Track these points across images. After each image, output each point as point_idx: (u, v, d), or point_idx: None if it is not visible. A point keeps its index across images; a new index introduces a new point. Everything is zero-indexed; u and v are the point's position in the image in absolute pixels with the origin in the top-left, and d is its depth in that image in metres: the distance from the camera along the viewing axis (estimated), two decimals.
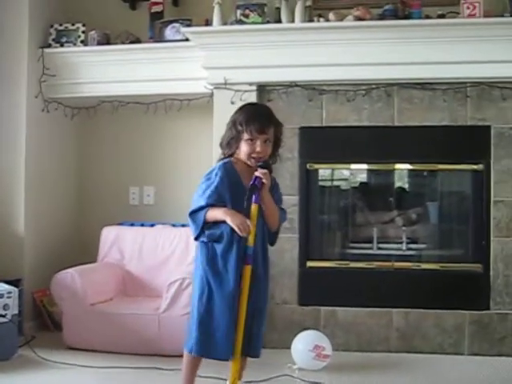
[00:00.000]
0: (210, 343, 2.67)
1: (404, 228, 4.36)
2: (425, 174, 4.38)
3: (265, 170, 2.66)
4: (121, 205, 4.97)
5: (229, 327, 2.66)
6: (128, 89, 4.48)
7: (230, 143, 2.79)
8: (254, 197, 2.64)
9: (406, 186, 4.55)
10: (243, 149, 2.74)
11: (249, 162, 2.73)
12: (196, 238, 2.76)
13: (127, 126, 4.96)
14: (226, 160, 2.79)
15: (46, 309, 4.55)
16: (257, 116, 2.75)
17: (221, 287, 2.68)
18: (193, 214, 2.71)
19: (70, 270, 4.11)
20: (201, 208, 2.68)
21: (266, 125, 2.73)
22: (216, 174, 2.72)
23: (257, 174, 2.64)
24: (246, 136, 2.72)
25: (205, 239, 2.71)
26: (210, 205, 2.67)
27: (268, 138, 2.74)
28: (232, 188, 2.71)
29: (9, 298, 3.78)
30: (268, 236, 2.85)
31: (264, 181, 2.63)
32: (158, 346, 3.82)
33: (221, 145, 2.85)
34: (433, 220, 4.38)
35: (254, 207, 2.66)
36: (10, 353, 3.76)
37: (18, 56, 4.43)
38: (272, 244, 2.90)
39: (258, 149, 2.70)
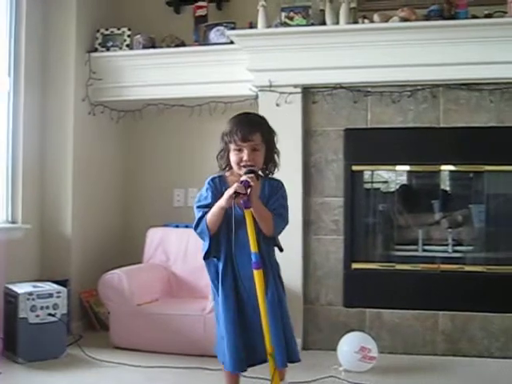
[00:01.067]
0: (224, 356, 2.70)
1: (450, 230, 4.32)
2: (471, 175, 4.33)
3: (251, 174, 2.61)
4: (165, 206, 5.02)
5: (232, 341, 2.65)
6: (173, 92, 4.55)
7: (221, 155, 2.78)
8: (243, 202, 2.58)
9: (452, 187, 4.50)
10: (232, 159, 2.72)
11: (240, 172, 2.69)
12: (204, 258, 2.74)
13: (172, 129, 5.01)
14: (214, 175, 2.79)
15: (92, 309, 4.63)
16: (240, 125, 2.70)
17: (224, 302, 2.70)
18: (197, 227, 2.71)
19: (117, 271, 4.17)
20: (200, 218, 2.68)
21: (250, 132, 2.67)
22: (207, 190, 2.73)
23: (243, 178, 2.60)
24: (232, 146, 2.70)
25: (212, 257, 2.72)
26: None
27: (255, 146, 2.68)
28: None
29: (58, 297, 3.86)
30: (268, 241, 2.76)
31: (252, 183, 2.57)
32: (204, 347, 3.82)
33: (216, 158, 2.83)
34: (479, 222, 4.31)
35: (246, 213, 2.61)
36: (59, 351, 3.83)
37: (65, 60, 4.53)
38: (279, 249, 2.81)
39: (245, 157, 2.66)
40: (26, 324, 3.72)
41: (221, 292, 2.71)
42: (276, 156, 2.81)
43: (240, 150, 2.68)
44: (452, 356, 3.98)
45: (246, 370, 2.70)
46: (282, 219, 2.73)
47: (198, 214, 2.72)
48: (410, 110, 4.09)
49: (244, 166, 2.67)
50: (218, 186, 2.73)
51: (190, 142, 4.96)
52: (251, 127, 2.70)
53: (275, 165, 2.82)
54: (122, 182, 5.16)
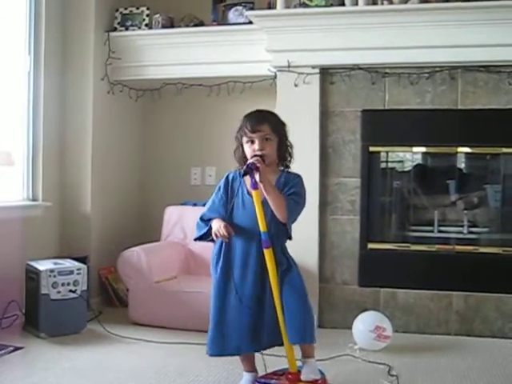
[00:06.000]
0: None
1: (465, 211, 4.34)
2: (488, 157, 4.32)
3: (256, 157, 2.68)
4: (183, 185, 5.09)
5: (217, 324, 2.79)
6: (191, 71, 4.58)
7: (235, 152, 2.86)
8: (251, 183, 2.66)
9: (469, 169, 4.51)
10: (246, 153, 2.79)
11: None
12: (196, 239, 2.91)
13: (190, 108, 5.05)
14: (231, 171, 2.89)
15: (111, 286, 4.71)
16: (249, 118, 2.81)
17: (217, 286, 2.82)
18: (199, 227, 2.86)
19: (135, 248, 4.24)
20: (204, 220, 2.83)
21: (258, 122, 2.76)
22: (219, 188, 2.86)
23: (249, 161, 2.68)
24: (245, 139, 2.78)
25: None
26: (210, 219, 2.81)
27: (266, 136, 2.76)
28: (233, 194, 2.80)
29: (78, 274, 3.93)
30: (281, 227, 2.81)
31: (258, 165, 2.64)
32: None
33: (234, 157, 2.91)
34: (495, 204, 4.33)
35: (254, 193, 2.68)
36: (79, 327, 3.91)
37: (84, 40, 4.56)
38: (288, 237, 2.84)
39: (256, 147, 2.74)
40: (48, 300, 3.79)
41: (215, 277, 2.82)
42: (289, 148, 2.88)
43: (252, 142, 2.76)
44: (465, 336, 4.02)
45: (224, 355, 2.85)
46: (295, 204, 2.78)
47: (204, 212, 2.85)
48: (427, 92, 4.09)
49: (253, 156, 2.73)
50: (230, 184, 2.84)
51: (208, 122, 5.00)
52: (259, 118, 2.80)
53: (290, 156, 2.89)
54: (141, 161, 5.22)
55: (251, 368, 2.93)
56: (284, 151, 2.85)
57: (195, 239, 2.92)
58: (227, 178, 2.87)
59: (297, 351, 2.80)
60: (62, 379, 3.09)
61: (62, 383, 3.04)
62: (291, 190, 2.78)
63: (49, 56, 4.39)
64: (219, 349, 2.80)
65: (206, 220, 2.84)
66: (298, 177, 2.86)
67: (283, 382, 2.81)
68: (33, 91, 4.35)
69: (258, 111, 2.87)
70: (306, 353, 2.85)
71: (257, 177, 2.64)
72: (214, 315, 2.80)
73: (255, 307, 2.76)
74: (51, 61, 4.43)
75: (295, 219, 2.80)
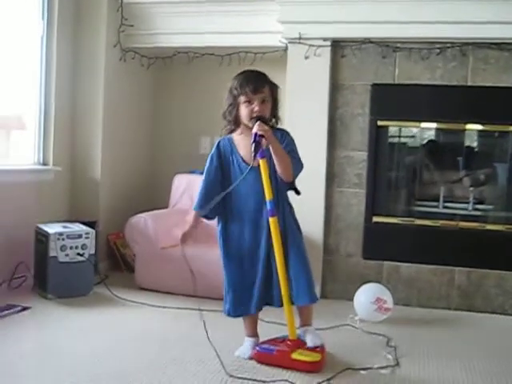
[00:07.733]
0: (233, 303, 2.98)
1: (471, 188, 4.36)
2: (496, 134, 4.33)
3: (258, 123, 2.72)
4: (192, 153, 5.11)
5: (241, 287, 2.93)
6: (203, 40, 4.59)
7: (229, 110, 2.88)
8: (259, 153, 2.70)
9: (476, 146, 4.51)
10: (243, 112, 2.82)
11: (250, 125, 2.80)
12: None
13: (201, 77, 5.07)
14: (220, 139, 2.93)
15: (119, 251, 4.78)
16: (250, 78, 2.84)
17: (230, 250, 2.98)
18: (202, 202, 3.00)
19: (143, 215, 4.30)
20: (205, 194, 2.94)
21: (260, 84, 2.81)
22: (212, 158, 2.91)
23: (253, 130, 2.71)
24: (242, 99, 2.81)
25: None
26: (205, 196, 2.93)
27: (264, 98, 2.81)
28: (228, 163, 2.89)
29: (87, 238, 4.00)
30: (285, 188, 2.90)
31: (261, 133, 2.69)
32: None
33: (223, 115, 2.92)
34: (501, 181, 4.35)
35: (261, 162, 2.74)
36: (87, 289, 3.99)
37: (98, 6, 4.57)
38: (296, 192, 2.92)
39: (256, 108, 2.78)
40: (56, 262, 3.87)
41: (224, 247, 3.01)
42: (278, 111, 2.95)
43: (250, 102, 2.80)
44: (466, 311, 4.06)
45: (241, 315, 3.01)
46: (297, 161, 2.86)
47: (200, 186, 2.95)
48: (438, 68, 4.08)
49: (253, 118, 2.78)
50: (222, 151, 2.90)
51: (219, 91, 4.93)
52: (260, 80, 2.85)
53: (278, 118, 2.94)
54: (151, 128, 5.26)
55: (253, 333, 3.03)
56: (276, 112, 2.91)
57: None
58: (218, 146, 2.92)
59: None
60: (68, 339, 3.16)
61: (68, 342, 3.10)
62: (288, 148, 2.84)
63: (62, 21, 4.41)
64: (245, 309, 2.94)
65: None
66: (288, 134, 2.93)
67: (283, 348, 2.88)
68: (45, 56, 4.38)
69: (256, 72, 2.91)
70: (305, 320, 2.93)
71: (264, 143, 2.69)
72: (234, 279, 2.95)
73: (268, 267, 2.86)
74: (64, 26, 4.45)
75: (297, 176, 2.88)
